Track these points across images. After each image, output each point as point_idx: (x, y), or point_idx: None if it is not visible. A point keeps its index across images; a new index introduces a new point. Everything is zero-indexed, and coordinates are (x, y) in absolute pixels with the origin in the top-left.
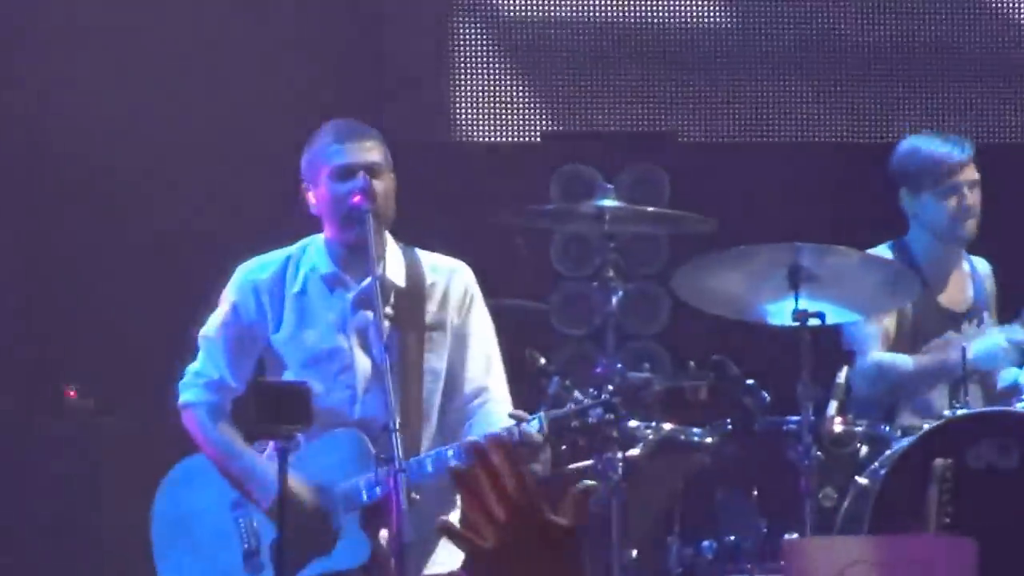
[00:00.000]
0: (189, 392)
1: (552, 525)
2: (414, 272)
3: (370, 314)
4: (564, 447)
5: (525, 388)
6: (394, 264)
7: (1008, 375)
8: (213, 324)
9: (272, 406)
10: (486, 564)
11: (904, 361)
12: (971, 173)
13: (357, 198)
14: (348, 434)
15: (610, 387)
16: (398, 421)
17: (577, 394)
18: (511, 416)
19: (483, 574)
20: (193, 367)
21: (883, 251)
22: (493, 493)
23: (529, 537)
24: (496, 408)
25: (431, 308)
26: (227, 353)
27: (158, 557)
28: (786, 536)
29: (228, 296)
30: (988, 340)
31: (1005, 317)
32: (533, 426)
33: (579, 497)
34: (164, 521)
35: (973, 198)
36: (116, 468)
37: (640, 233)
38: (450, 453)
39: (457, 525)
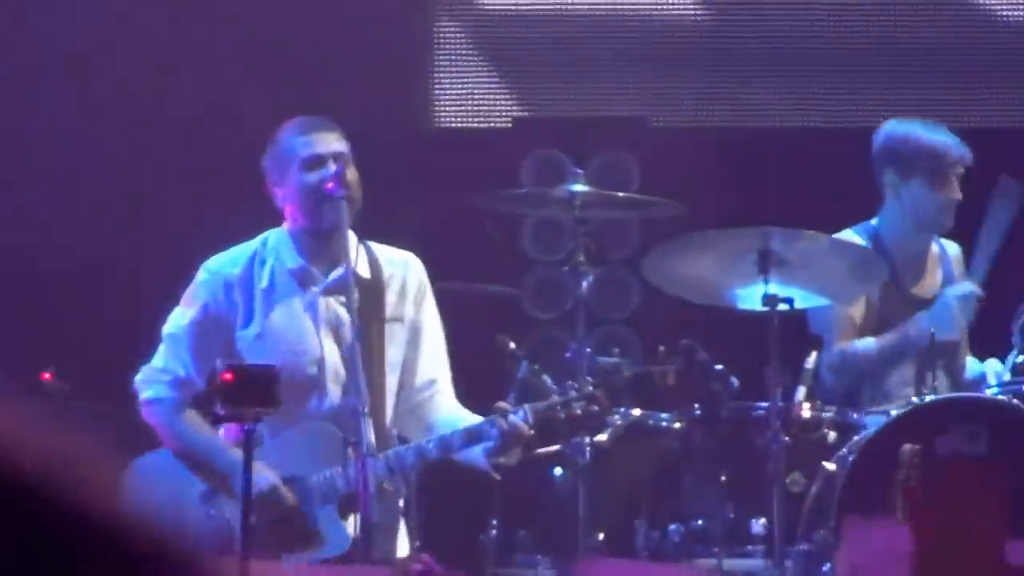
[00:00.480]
0: (151, 389)
1: None
2: (373, 265)
3: (339, 307)
4: (532, 431)
5: (495, 373)
6: (358, 257)
7: (974, 367)
8: (180, 321)
9: (240, 389)
10: None
11: (866, 344)
12: (961, 170)
13: (331, 185)
14: (318, 427)
15: (589, 378)
16: (367, 408)
17: (546, 378)
18: (496, 408)
19: None
20: (155, 364)
21: (848, 235)
22: None
23: None
24: (444, 400)
25: (390, 300)
26: (193, 350)
27: None
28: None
29: (197, 293)
30: (937, 305)
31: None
32: (518, 418)
33: None
34: None
35: (960, 196)
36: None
37: (611, 218)
38: (430, 445)
39: None
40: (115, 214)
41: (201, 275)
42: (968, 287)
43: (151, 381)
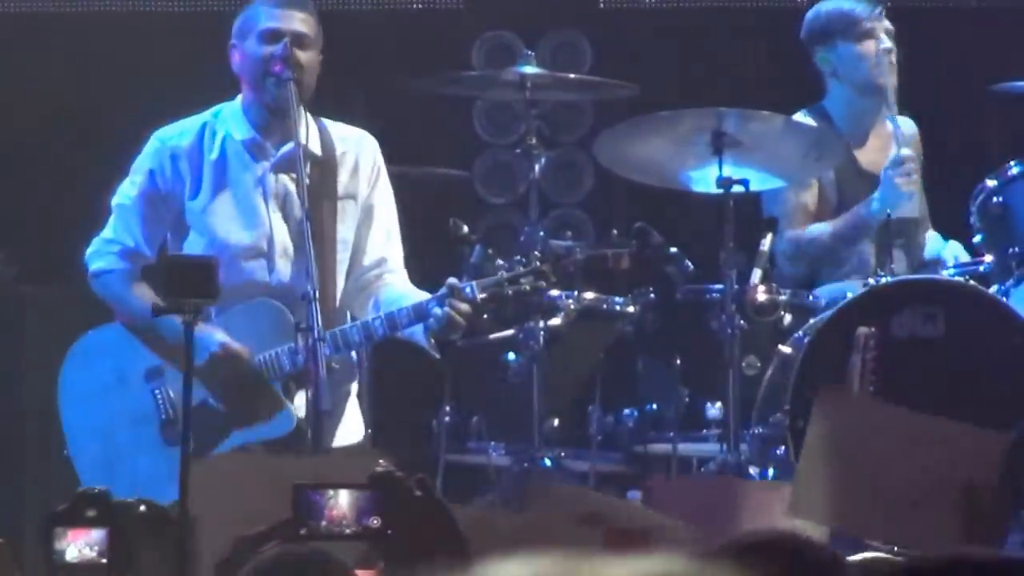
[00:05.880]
0: (102, 260)
1: None
2: (326, 142)
3: (289, 182)
4: (485, 316)
5: (448, 257)
6: (310, 134)
7: (936, 245)
8: (128, 191)
9: (178, 280)
10: None
11: (819, 229)
12: (885, 24)
13: (278, 65)
14: (265, 304)
15: (537, 254)
16: (317, 290)
17: (500, 262)
18: (447, 285)
19: None
20: (104, 235)
21: (800, 117)
22: None
23: None
24: (394, 279)
25: (343, 178)
26: (142, 220)
27: (69, 431)
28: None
29: (144, 163)
30: (882, 185)
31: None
32: (466, 293)
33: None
34: (73, 394)
35: (890, 45)
36: (38, 334)
37: (563, 100)
38: (377, 323)
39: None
40: (61, 94)
41: (150, 144)
42: (894, 154)
43: (101, 252)
